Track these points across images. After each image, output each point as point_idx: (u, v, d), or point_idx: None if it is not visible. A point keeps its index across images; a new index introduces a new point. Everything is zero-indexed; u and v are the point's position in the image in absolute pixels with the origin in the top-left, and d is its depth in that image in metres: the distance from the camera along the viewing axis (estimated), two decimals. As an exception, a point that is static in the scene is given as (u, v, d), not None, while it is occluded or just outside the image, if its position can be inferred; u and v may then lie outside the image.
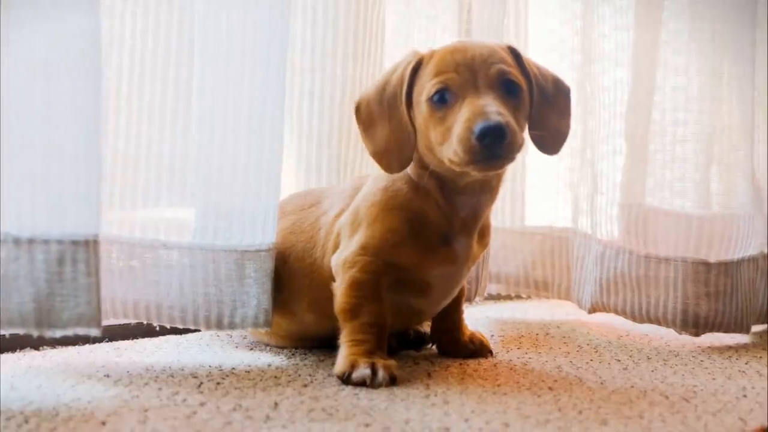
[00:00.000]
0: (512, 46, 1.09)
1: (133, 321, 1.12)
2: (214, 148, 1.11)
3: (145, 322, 1.13)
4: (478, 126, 0.96)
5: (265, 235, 1.12)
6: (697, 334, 1.37)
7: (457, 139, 0.98)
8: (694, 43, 1.42)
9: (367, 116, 1.08)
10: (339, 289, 1.07)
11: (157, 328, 1.17)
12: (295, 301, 1.15)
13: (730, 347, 1.33)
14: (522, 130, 1.03)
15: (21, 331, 0.95)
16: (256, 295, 1.11)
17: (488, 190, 1.09)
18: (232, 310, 1.11)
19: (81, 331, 0.96)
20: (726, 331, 1.37)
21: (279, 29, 1.11)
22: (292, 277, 1.15)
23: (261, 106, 1.11)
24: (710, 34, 1.41)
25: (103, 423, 0.84)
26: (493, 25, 1.43)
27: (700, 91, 1.41)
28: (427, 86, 1.03)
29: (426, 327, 1.26)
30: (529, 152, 1.59)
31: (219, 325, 1.12)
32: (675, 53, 1.42)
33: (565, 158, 1.56)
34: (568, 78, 1.53)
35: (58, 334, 0.95)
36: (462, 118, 0.98)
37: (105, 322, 1.22)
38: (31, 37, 0.94)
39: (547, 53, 1.59)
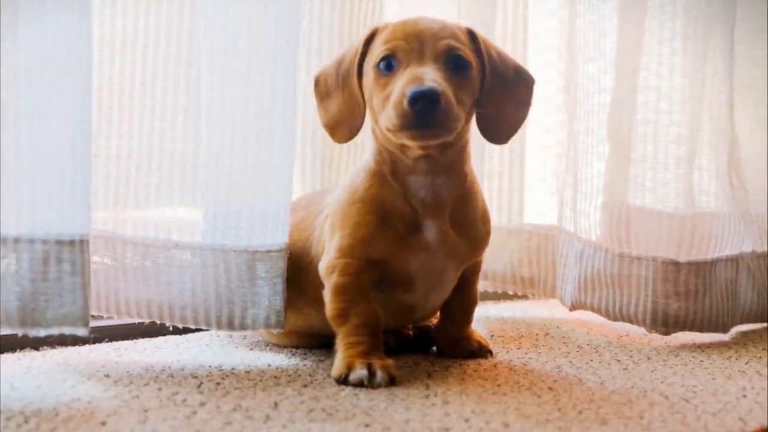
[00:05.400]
0: (471, 29, 1.09)
1: (146, 320, 1.13)
2: (224, 146, 1.10)
3: (147, 321, 1.13)
4: (410, 90, 0.96)
5: (275, 235, 1.12)
6: (666, 333, 1.36)
7: (393, 104, 0.99)
8: (673, 43, 1.41)
9: (324, 89, 1.11)
10: (326, 295, 1.08)
11: (163, 325, 1.17)
12: (299, 296, 1.15)
13: (730, 347, 1.33)
14: (464, 108, 1.03)
15: (5, 330, 0.95)
16: (267, 295, 1.11)
17: (443, 170, 1.07)
18: (243, 311, 1.11)
19: (67, 330, 0.96)
20: (699, 331, 1.36)
21: (288, 26, 1.11)
22: (296, 273, 1.14)
23: (271, 104, 1.10)
24: (692, 33, 1.40)
25: (103, 423, 0.84)
26: (488, 23, 1.42)
27: (683, 92, 1.40)
28: (375, 53, 1.05)
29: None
30: (528, 152, 1.61)
31: (230, 326, 1.12)
32: (660, 53, 1.41)
33: (557, 159, 1.56)
34: (563, 78, 1.55)
35: (43, 333, 0.95)
36: (399, 84, 0.99)
37: (107, 322, 1.23)
38: (17, 36, 0.93)
39: (544, 51, 1.59)
